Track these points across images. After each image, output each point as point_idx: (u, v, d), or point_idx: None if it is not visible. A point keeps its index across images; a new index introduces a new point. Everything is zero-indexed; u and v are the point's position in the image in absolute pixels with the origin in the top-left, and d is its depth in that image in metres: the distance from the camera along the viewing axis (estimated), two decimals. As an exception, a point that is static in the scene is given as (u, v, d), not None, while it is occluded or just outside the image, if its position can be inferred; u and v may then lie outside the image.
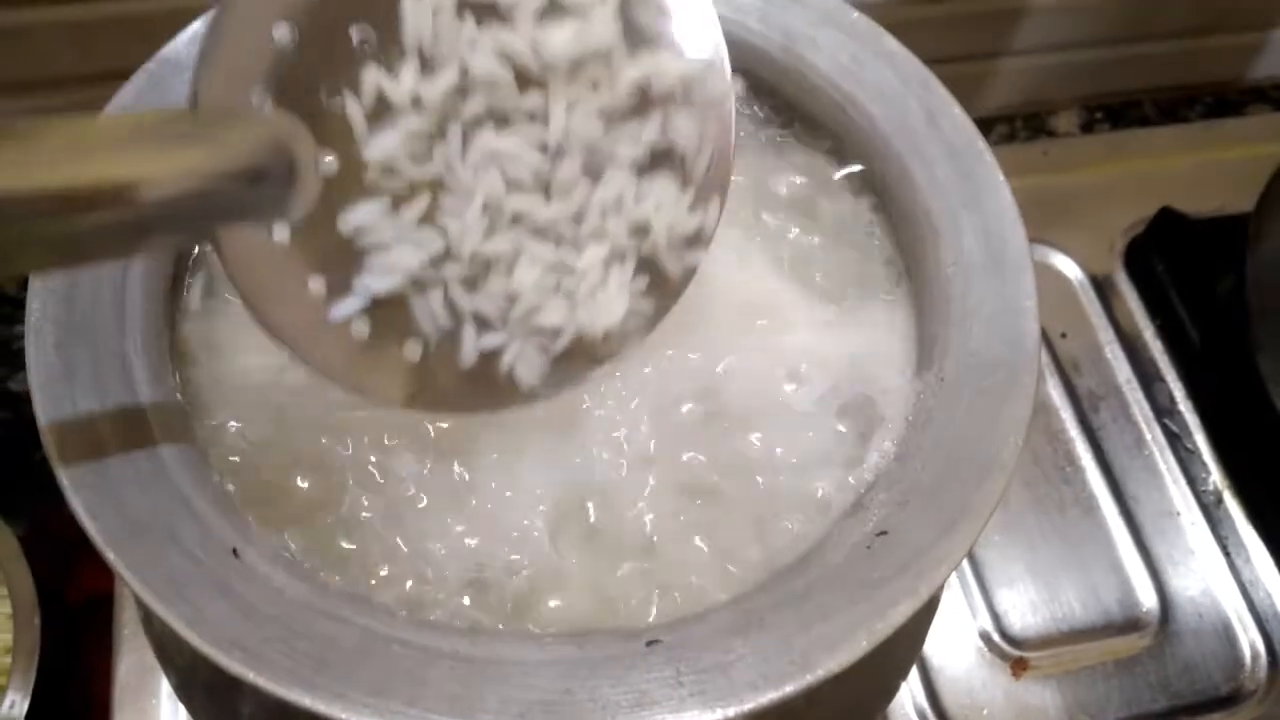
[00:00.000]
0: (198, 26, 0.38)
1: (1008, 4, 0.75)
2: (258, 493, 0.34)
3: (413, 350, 0.32)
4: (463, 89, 0.30)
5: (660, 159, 0.33)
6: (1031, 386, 0.34)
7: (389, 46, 0.30)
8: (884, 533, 0.32)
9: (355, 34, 0.29)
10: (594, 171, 0.32)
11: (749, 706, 0.28)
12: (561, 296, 0.33)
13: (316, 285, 0.31)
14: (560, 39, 0.30)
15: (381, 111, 0.30)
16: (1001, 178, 0.37)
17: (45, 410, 0.31)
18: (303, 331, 0.31)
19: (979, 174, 0.38)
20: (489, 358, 0.33)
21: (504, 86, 0.30)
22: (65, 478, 0.30)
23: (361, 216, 0.30)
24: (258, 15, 0.28)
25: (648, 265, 0.34)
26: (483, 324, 0.33)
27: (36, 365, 0.32)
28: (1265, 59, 0.84)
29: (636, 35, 0.32)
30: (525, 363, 0.33)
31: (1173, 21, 0.79)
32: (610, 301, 0.33)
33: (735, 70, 0.36)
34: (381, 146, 0.30)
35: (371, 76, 0.30)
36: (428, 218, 0.31)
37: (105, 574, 0.29)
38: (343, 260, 0.31)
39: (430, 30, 0.30)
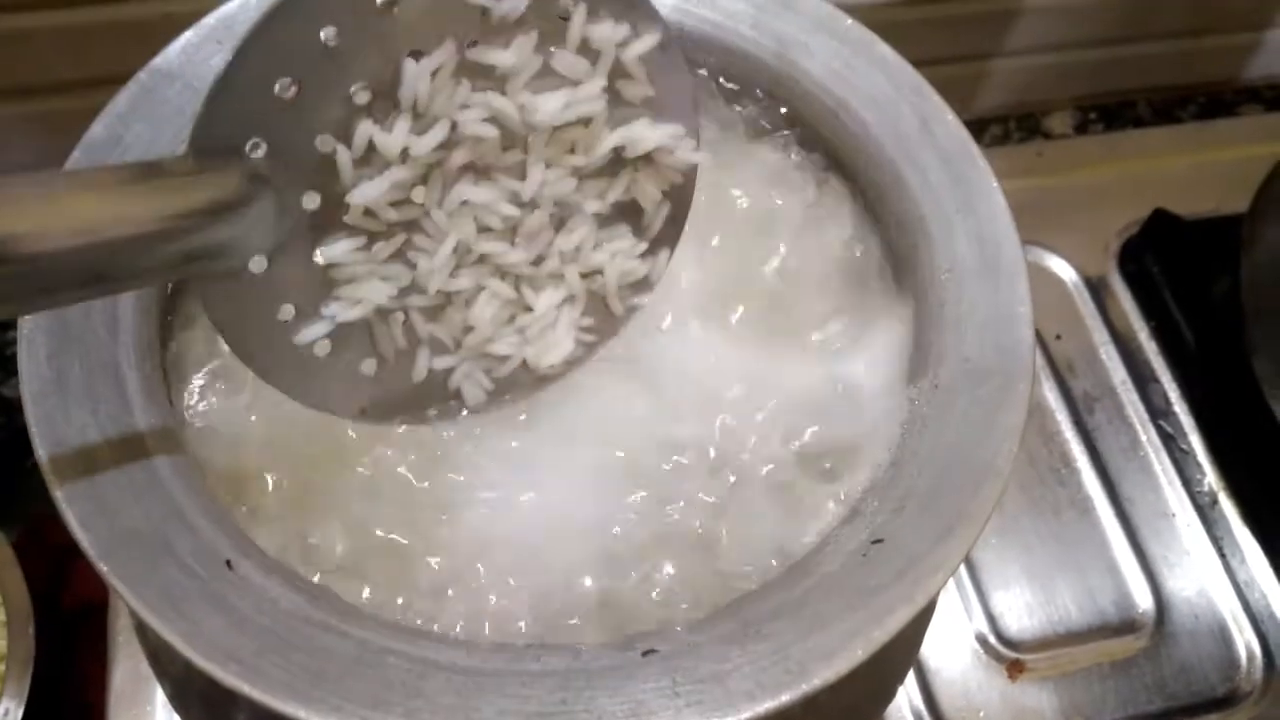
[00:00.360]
0: (189, 36, 0.38)
1: (1002, 5, 0.75)
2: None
3: (369, 367, 0.34)
4: (449, 143, 0.31)
5: (620, 210, 0.35)
6: (1026, 393, 0.34)
7: (384, 101, 0.30)
8: (880, 540, 0.32)
9: (355, 91, 0.30)
10: (559, 220, 0.34)
11: (745, 716, 0.28)
12: (514, 332, 0.35)
13: (286, 312, 0.32)
14: (550, 107, 0.32)
15: (370, 158, 0.31)
16: (995, 183, 0.37)
17: (37, 421, 0.31)
18: (266, 350, 0.32)
19: (972, 179, 0.38)
20: (437, 374, 0.35)
21: (488, 143, 0.32)
22: (58, 489, 0.30)
23: (337, 252, 0.32)
24: (264, 69, 0.29)
25: (595, 303, 0.36)
26: (437, 347, 0.35)
27: (29, 376, 0.32)
28: (1259, 59, 0.84)
29: (618, 102, 0.33)
30: (471, 383, 0.35)
31: (1167, 22, 0.79)
32: (559, 340, 0.35)
33: (730, 78, 0.37)
34: (365, 194, 0.31)
35: (364, 129, 0.30)
36: (399, 254, 0.33)
37: (100, 581, 0.29)
38: (313, 289, 0.32)
39: (427, 91, 0.31)
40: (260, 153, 0.29)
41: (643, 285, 0.37)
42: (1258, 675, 0.58)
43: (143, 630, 0.44)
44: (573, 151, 0.33)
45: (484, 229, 0.33)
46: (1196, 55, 0.82)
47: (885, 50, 0.40)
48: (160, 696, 0.50)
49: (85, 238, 0.26)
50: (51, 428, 0.31)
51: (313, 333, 0.32)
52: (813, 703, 0.29)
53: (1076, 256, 0.70)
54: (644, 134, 0.34)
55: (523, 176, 0.33)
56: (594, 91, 0.32)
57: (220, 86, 0.28)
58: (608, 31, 0.32)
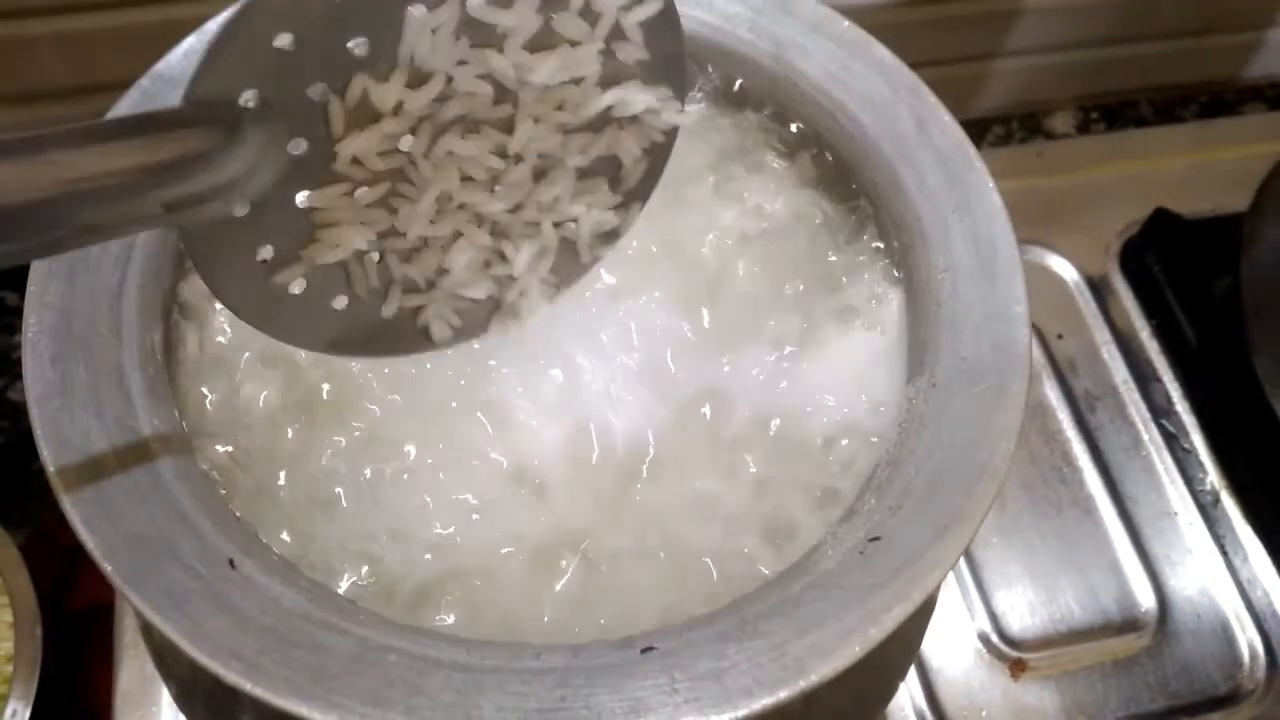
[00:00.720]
0: (191, 41, 0.38)
1: (1003, 5, 0.75)
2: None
3: (340, 303, 0.34)
4: (440, 97, 0.32)
5: (599, 163, 0.36)
6: (1022, 392, 0.34)
7: (381, 56, 0.31)
8: (877, 538, 0.32)
9: (353, 45, 0.30)
10: (540, 172, 0.34)
11: (743, 713, 0.29)
12: (488, 278, 0.36)
13: (265, 253, 0.32)
14: (546, 69, 0.32)
15: (361, 108, 0.31)
16: (991, 184, 0.38)
17: (42, 424, 0.32)
18: (241, 287, 0.32)
19: (969, 180, 0.38)
20: (407, 311, 0.35)
21: (480, 98, 0.32)
22: (63, 492, 0.30)
23: (320, 198, 0.32)
24: (266, 24, 0.29)
25: (565, 248, 0.37)
26: (410, 286, 0.35)
27: (33, 380, 0.32)
28: (1261, 58, 0.84)
29: (611, 64, 0.34)
30: (440, 321, 0.36)
31: (1168, 21, 0.79)
32: (529, 288, 0.37)
33: (729, 78, 0.39)
34: (357, 145, 0.31)
35: (360, 82, 0.31)
36: (381, 201, 0.33)
37: (106, 583, 0.30)
38: (293, 231, 0.32)
39: (427, 47, 0.31)
40: (252, 102, 0.29)
41: (611, 236, 0.37)
42: (1260, 674, 0.58)
43: (148, 631, 0.44)
44: (561, 108, 0.33)
45: (466, 178, 0.33)
46: (1198, 54, 0.82)
47: (882, 52, 0.40)
48: (166, 697, 0.50)
49: (69, 188, 0.27)
50: (56, 431, 0.32)
51: (290, 274, 0.32)
52: (813, 699, 0.29)
53: (1078, 256, 0.70)
54: (635, 96, 0.34)
55: (510, 130, 0.33)
56: (590, 54, 0.33)
57: (222, 40, 0.28)
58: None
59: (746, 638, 0.30)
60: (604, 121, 0.35)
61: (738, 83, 0.42)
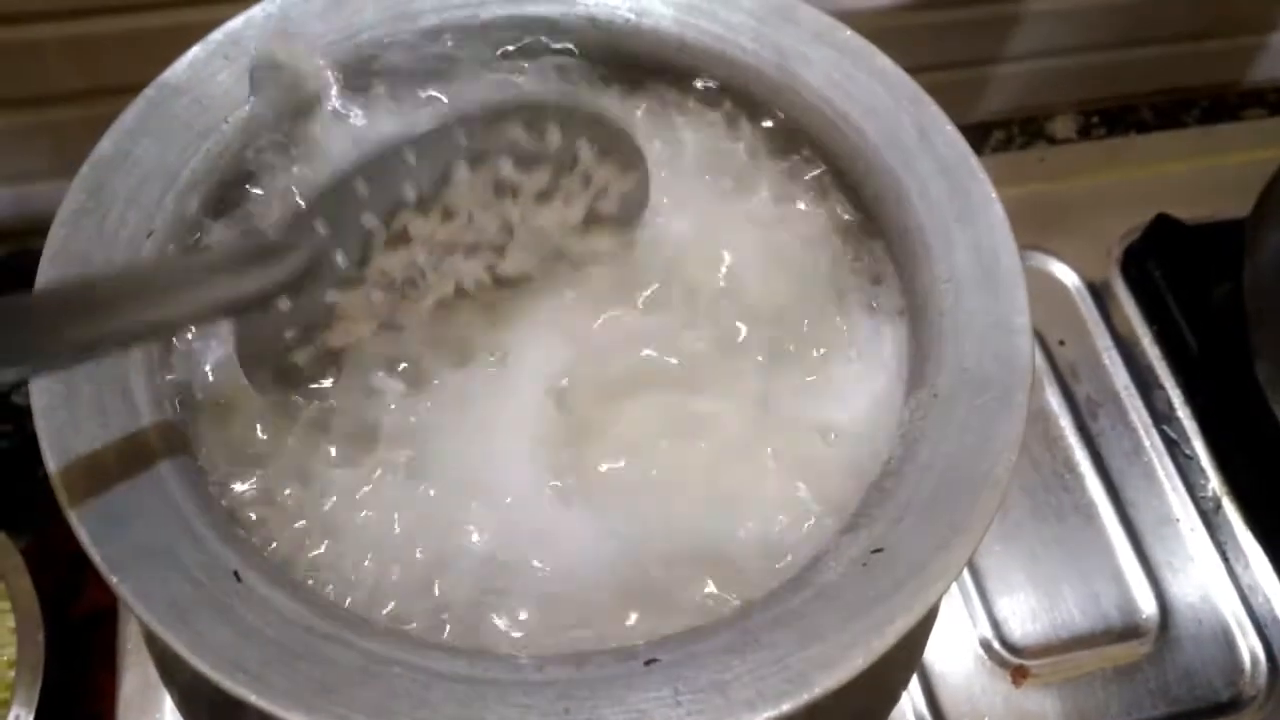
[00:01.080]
0: (196, 51, 0.38)
1: (1005, 10, 0.75)
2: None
3: (333, 374, 0.38)
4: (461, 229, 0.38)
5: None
6: (1024, 403, 0.34)
7: (426, 198, 0.37)
8: (879, 550, 0.32)
9: (407, 189, 0.36)
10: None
11: (746, 725, 0.29)
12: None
13: (289, 336, 0.36)
14: (545, 218, 0.39)
15: (399, 235, 0.37)
16: (993, 193, 0.38)
17: (48, 435, 0.32)
18: (262, 363, 0.36)
19: (971, 189, 0.38)
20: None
21: (489, 231, 0.39)
22: (68, 503, 0.30)
23: (346, 297, 0.37)
24: (358, 179, 0.35)
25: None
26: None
27: (38, 389, 0.32)
28: (1263, 62, 0.84)
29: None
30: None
31: (1170, 26, 0.79)
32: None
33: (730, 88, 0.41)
34: (387, 262, 0.37)
35: (405, 217, 0.37)
36: (392, 299, 0.38)
37: (109, 589, 0.30)
38: (315, 320, 0.37)
39: (464, 195, 0.37)
40: (323, 229, 0.35)
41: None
42: (1261, 680, 0.58)
43: (151, 639, 0.44)
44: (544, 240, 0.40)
45: (460, 289, 0.39)
46: (1200, 59, 0.82)
47: (884, 61, 0.40)
48: (169, 704, 0.50)
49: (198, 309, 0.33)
50: (62, 441, 0.32)
51: (304, 353, 0.37)
52: (815, 710, 0.29)
53: (1079, 261, 0.70)
54: (615, 188, 0.40)
55: (502, 253, 0.39)
56: (580, 210, 0.40)
57: (327, 190, 0.35)
58: (605, 173, 0.39)
59: (749, 650, 0.30)
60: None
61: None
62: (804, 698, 0.29)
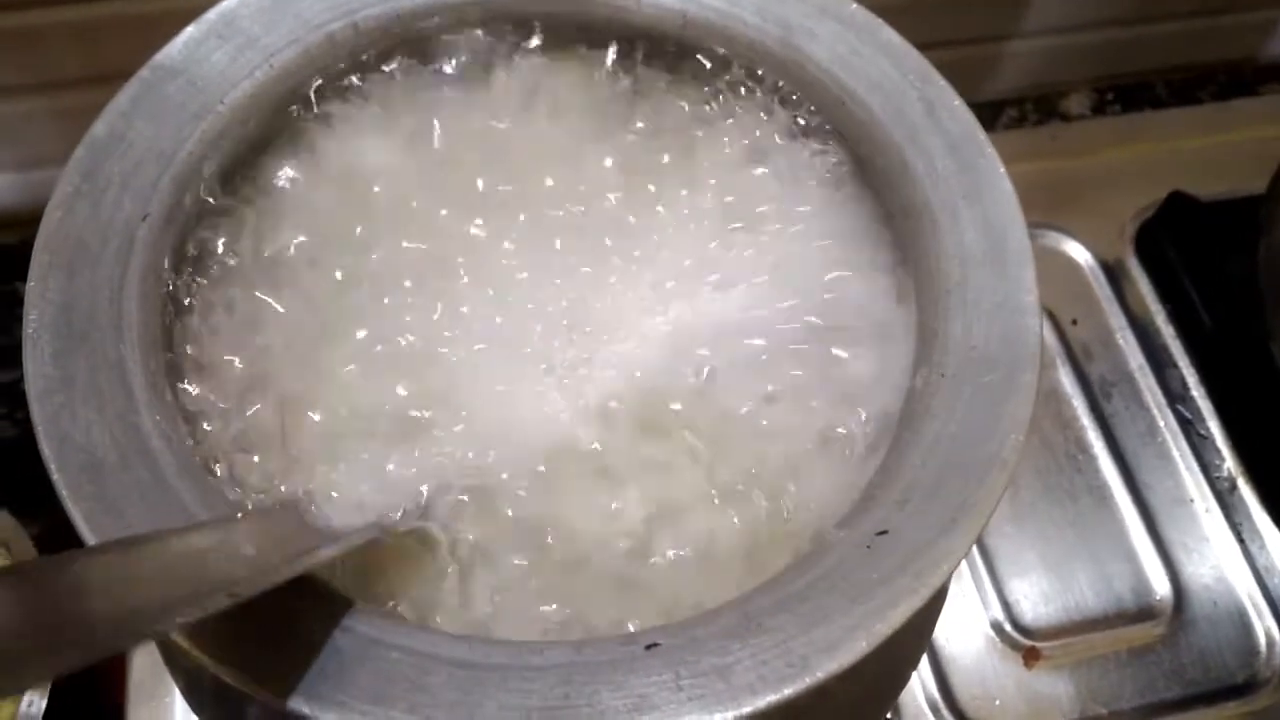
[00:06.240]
0: (191, 31, 0.38)
1: (1017, -15, 0.74)
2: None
3: None
4: None
5: None
6: (1033, 383, 0.33)
7: None
8: (884, 531, 0.32)
9: None
10: None
11: (748, 710, 0.28)
12: None
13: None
14: None
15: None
16: (1002, 169, 0.37)
17: (43, 421, 0.31)
18: None
19: (979, 166, 0.37)
20: None
21: None
22: (64, 488, 0.30)
23: None
24: None
25: None
26: None
27: (34, 375, 0.32)
28: (1278, 38, 0.83)
29: None
30: None
31: (1184, 1, 0.78)
32: None
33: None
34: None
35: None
36: None
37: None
38: None
39: None
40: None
41: None
42: (1277, 662, 0.57)
43: (156, 624, 0.44)
44: None
45: None
46: (1215, 34, 0.81)
47: (891, 35, 0.40)
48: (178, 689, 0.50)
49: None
50: (58, 426, 0.31)
51: None
52: (822, 692, 0.29)
53: (1093, 240, 0.69)
54: None
55: None
56: None
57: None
58: None
59: (751, 634, 0.30)
60: None
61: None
62: (806, 681, 0.29)
